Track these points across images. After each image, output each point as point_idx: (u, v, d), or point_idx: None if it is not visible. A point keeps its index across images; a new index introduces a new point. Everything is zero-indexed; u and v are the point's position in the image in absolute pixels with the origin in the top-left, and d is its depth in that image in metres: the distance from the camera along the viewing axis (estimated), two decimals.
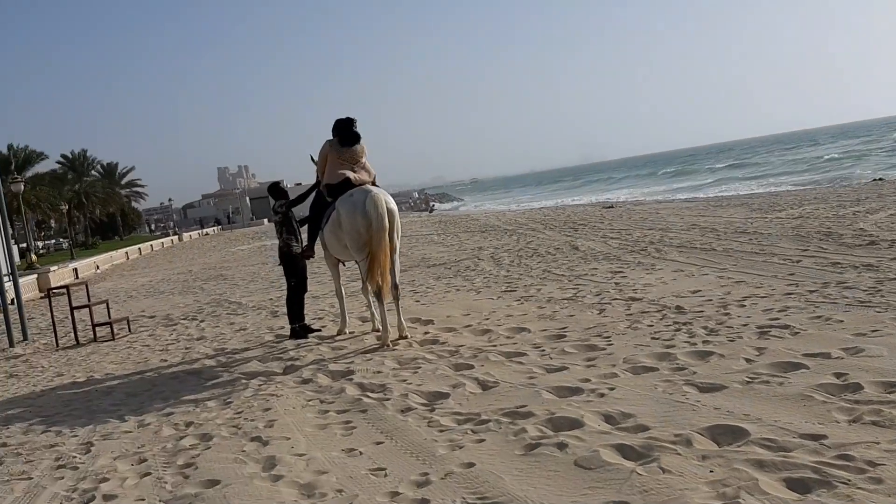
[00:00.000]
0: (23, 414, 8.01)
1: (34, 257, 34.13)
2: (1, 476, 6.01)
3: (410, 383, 7.04)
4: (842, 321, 7.18)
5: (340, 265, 10.27)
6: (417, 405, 6.36)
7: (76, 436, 6.90)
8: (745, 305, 8.48)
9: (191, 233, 78.18)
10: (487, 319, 9.75)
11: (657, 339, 7.52)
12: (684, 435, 4.79)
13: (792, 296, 8.68)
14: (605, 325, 8.44)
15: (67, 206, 75.74)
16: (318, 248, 10.06)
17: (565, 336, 8.19)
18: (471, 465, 4.83)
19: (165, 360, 10.07)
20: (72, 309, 13.01)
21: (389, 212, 8.95)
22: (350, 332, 10.10)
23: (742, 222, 18.36)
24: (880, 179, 34.11)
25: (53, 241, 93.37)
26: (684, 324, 8.00)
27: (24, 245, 47.94)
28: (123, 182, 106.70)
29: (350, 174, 9.34)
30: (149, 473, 5.59)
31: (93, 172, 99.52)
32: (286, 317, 11.18)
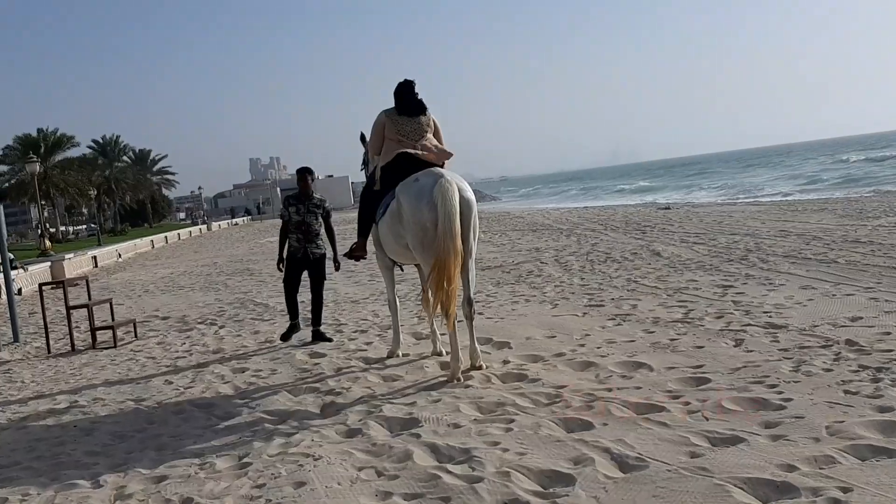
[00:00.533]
0: None
1: (48, 244, 32.24)
2: None
3: (507, 450, 4.84)
4: None
5: (396, 268, 8.07)
6: (529, 495, 4.17)
7: None
8: None
9: (220, 222, 76.72)
10: (583, 346, 7.54)
11: (853, 392, 5.29)
12: None
13: None
14: (758, 366, 6.20)
15: (96, 192, 74.45)
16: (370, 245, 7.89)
17: (708, 380, 5.96)
18: None
19: (171, 382, 7.97)
20: (68, 309, 10.96)
21: (465, 203, 6.74)
22: (404, 355, 7.95)
23: (840, 229, 16.00)
24: None
25: (84, 226, 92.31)
26: (878, 369, 5.75)
27: (39, 230, 46.26)
28: (155, 169, 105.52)
29: (411, 151, 7.17)
30: None
31: (124, 158, 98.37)
32: (320, 325, 9.48)
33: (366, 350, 8.46)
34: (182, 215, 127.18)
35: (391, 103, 7.43)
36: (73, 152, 78.30)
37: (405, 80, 7.39)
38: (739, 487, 3.94)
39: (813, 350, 6.50)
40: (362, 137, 8.52)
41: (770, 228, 17.76)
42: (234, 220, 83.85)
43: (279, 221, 9.75)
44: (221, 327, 11.33)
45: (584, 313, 9.30)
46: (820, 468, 4.10)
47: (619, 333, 7.94)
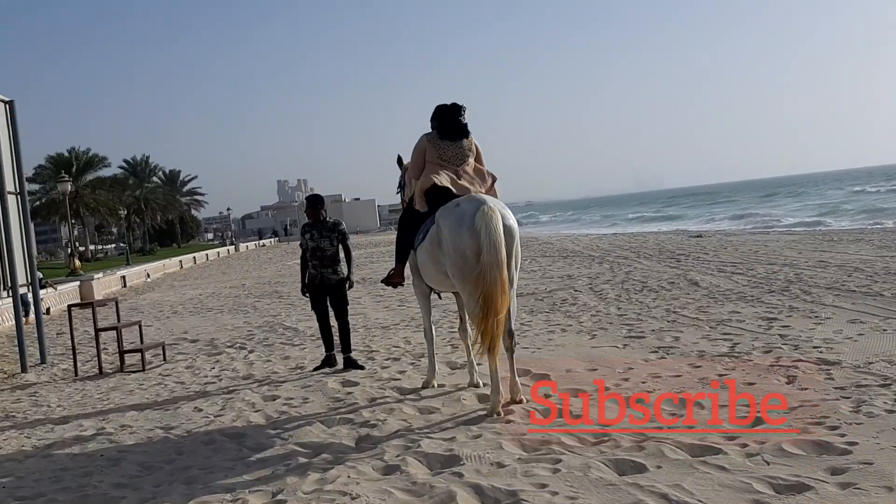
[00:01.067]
0: None
1: (77, 263, 32.36)
2: None
3: (556, 493, 4.56)
4: None
5: (433, 295, 7.82)
6: None
7: None
8: None
9: (247, 243, 77.08)
10: (626, 381, 7.25)
11: None
12: None
13: None
14: (814, 405, 5.89)
15: (126, 211, 75.10)
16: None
17: (763, 420, 5.66)
18: None
19: (200, 409, 7.77)
20: (97, 331, 10.85)
21: (507, 231, 6.49)
22: (439, 385, 7.70)
23: (881, 261, 15.61)
24: None
25: (113, 245, 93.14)
26: None
27: (69, 250, 46.57)
28: (185, 190, 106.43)
29: (447, 177, 6.94)
30: None
31: (154, 179, 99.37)
32: (350, 351, 9.37)
33: (399, 379, 8.22)
34: (210, 236, 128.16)
35: (423, 127, 7.24)
36: (104, 172, 79.26)
37: (452, 104, 7.16)
38: None
39: (871, 389, 6.18)
40: (399, 160, 8.35)
41: (808, 259, 17.36)
42: (261, 242, 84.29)
43: None
44: (251, 352, 11.16)
45: (625, 345, 9.02)
46: None
47: (664, 367, 7.65)
